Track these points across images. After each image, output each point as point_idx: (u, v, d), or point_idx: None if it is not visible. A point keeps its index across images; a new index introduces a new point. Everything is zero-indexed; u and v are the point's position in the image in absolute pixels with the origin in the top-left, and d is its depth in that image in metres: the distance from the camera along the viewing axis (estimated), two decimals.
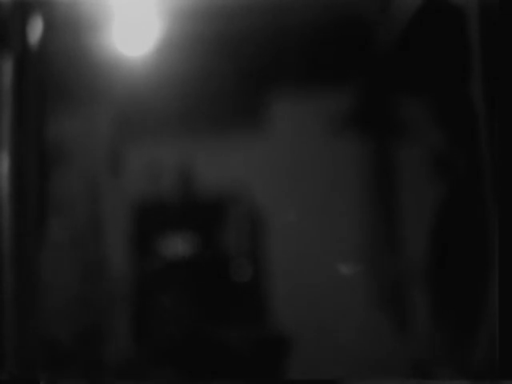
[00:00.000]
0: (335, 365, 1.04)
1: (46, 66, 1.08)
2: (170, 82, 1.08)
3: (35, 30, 1.08)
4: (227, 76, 1.07)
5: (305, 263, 1.05)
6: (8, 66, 1.07)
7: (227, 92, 1.07)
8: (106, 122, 1.09)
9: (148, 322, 1.07)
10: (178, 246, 1.07)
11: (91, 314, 1.06)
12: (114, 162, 1.08)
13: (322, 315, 1.05)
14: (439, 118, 1.05)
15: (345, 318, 1.05)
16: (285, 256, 1.06)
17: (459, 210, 1.04)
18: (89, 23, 1.09)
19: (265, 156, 1.07)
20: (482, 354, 1.00)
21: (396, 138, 1.06)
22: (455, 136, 1.05)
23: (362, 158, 1.07)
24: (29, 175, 1.06)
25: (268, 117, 1.08)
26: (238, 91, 1.08)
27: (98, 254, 1.08)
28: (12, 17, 1.07)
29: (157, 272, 1.07)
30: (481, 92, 1.02)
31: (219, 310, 1.06)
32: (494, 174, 1.02)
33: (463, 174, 1.05)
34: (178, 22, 1.08)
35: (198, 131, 1.08)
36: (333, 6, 1.08)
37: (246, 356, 1.05)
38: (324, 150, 1.07)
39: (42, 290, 1.06)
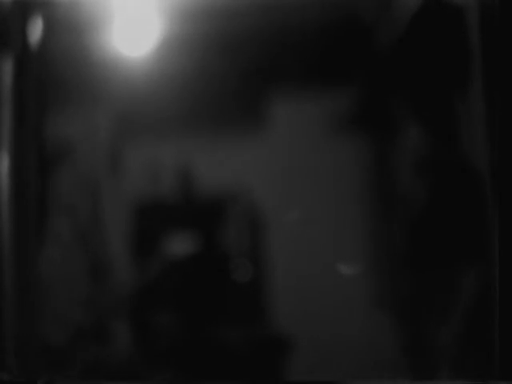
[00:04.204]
0: (335, 365, 1.04)
1: (46, 65, 1.08)
2: (169, 82, 1.08)
3: (35, 29, 1.08)
4: (227, 76, 1.07)
5: (305, 263, 1.05)
6: (8, 66, 1.07)
7: (227, 92, 1.07)
8: (106, 121, 1.09)
9: (148, 322, 1.07)
10: (178, 245, 1.07)
11: (90, 314, 1.06)
12: (114, 162, 1.08)
13: (322, 315, 1.05)
14: (439, 118, 1.06)
15: (345, 318, 1.05)
16: (285, 256, 1.06)
17: (459, 209, 1.04)
18: (89, 23, 1.09)
19: (265, 156, 1.07)
20: (482, 355, 1.00)
21: (396, 138, 1.06)
22: (455, 136, 1.06)
23: (363, 158, 1.07)
24: (29, 175, 1.06)
25: (268, 117, 1.08)
26: (238, 91, 1.08)
27: (98, 255, 1.08)
28: (12, 17, 1.07)
29: (156, 271, 1.07)
30: (481, 92, 1.02)
31: (219, 309, 1.06)
32: (494, 174, 1.02)
33: (463, 173, 1.05)
34: (178, 21, 1.08)
35: (198, 131, 1.08)
36: (333, 6, 1.08)
37: (246, 356, 1.05)
38: (324, 150, 1.07)
39: (42, 290, 1.06)
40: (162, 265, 1.07)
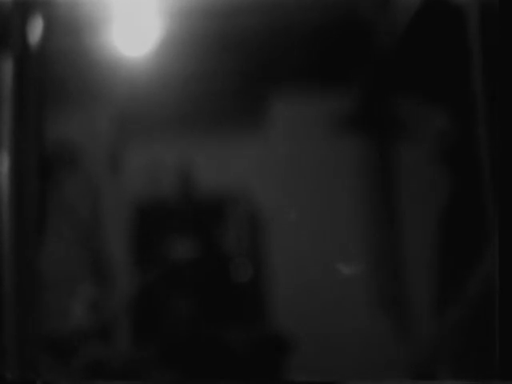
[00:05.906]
0: (335, 365, 1.04)
1: (46, 66, 1.08)
2: (169, 82, 1.08)
3: (35, 29, 1.07)
4: (227, 76, 1.07)
5: (305, 263, 1.05)
6: (8, 66, 1.06)
7: (227, 92, 1.07)
8: (106, 121, 1.09)
9: (148, 323, 1.07)
10: (178, 246, 1.07)
11: (91, 314, 1.06)
12: (115, 162, 1.08)
13: (322, 315, 1.05)
14: (439, 118, 1.06)
15: (345, 318, 1.05)
16: (285, 256, 1.06)
17: (460, 210, 1.04)
18: (89, 23, 1.09)
19: (265, 156, 1.07)
20: (482, 355, 1.00)
21: (396, 138, 1.06)
22: (455, 135, 1.06)
23: (362, 158, 1.07)
24: (29, 175, 1.06)
25: (268, 117, 1.08)
26: (238, 91, 1.08)
27: (99, 255, 1.08)
28: (12, 17, 1.07)
29: (157, 272, 1.07)
30: (481, 91, 1.02)
31: (219, 310, 1.06)
32: (494, 174, 1.02)
33: (463, 173, 1.05)
34: (178, 21, 1.08)
35: (198, 131, 1.08)
36: (333, 6, 1.08)
37: (246, 356, 1.05)
38: (324, 150, 1.07)
39: (43, 290, 1.06)
40: (162, 265, 1.07)
